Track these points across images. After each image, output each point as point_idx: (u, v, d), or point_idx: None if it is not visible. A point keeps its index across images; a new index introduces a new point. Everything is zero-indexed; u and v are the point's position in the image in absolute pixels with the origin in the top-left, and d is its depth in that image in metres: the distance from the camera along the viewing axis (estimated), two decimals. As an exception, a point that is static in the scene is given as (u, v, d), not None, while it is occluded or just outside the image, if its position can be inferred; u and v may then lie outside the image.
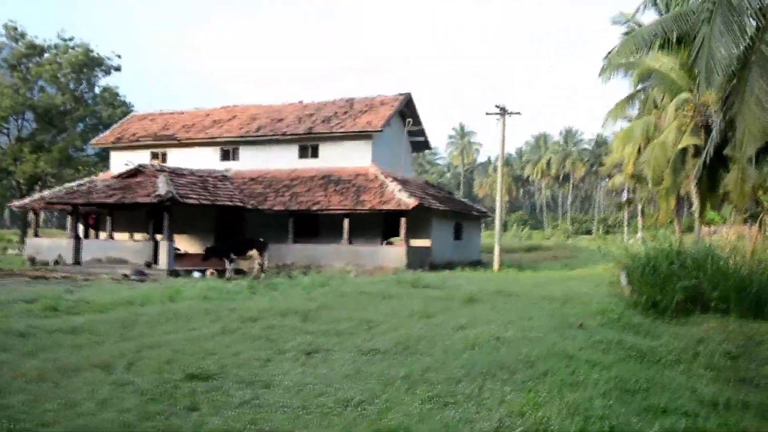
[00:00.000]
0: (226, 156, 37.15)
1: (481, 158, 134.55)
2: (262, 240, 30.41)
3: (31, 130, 53.11)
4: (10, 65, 52.40)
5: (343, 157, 34.06)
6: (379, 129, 33.06)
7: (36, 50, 51.79)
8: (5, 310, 13.35)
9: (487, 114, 32.17)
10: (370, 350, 9.49)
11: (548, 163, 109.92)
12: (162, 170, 31.03)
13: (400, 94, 35.89)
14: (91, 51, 53.67)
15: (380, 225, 32.81)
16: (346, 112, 35.47)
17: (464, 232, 36.81)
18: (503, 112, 32.04)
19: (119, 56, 55.34)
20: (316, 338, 10.36)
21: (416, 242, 32.62)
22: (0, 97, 47.83)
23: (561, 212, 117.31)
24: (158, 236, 35.05)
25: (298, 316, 12.65)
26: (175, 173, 31.58)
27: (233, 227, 34.44)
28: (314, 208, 31.16)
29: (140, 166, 31.98)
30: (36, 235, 38.00)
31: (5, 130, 51.88)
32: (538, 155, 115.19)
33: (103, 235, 37.04)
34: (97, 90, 55.89)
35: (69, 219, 40.39)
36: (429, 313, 13.68)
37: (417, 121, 36.20)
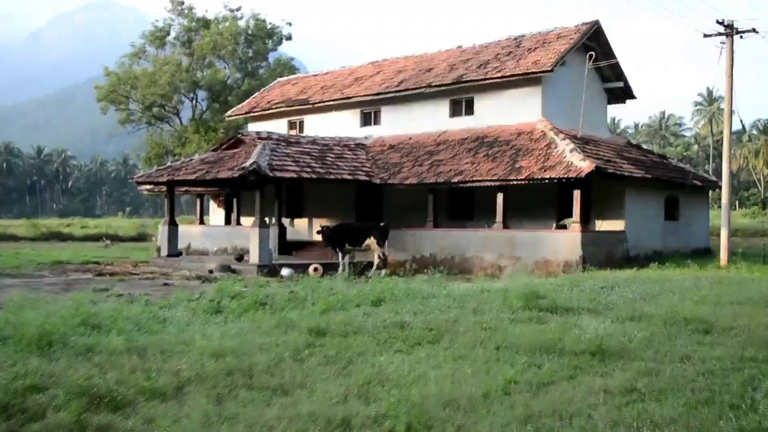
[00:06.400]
0: (367, 120, 29.90)
1: (735, 126, 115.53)
2: (382, 224, 22.94)
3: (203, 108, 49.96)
4: (182, 42, 49.53)
5: (504, 112, 25.30)
6: (548, 69, 23.82)
7: (201, 23, 48.27)
8: None
9: (705, 36, 21.56)
10: None
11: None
12: (269, 138, 24.52)
13: (584, 24, 26.22)
14: (261, 20, 49.27)
15: (554, 201, 23.81)
16: (510, 53, 26.58)
17: (682, 209, 26.39)
18: (730, 31, 21.41)
19: (290, 24, 50.36)
20: None
21: (606, 224, 23.25)
22: (159, 73, 44.68)
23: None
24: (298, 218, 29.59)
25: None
26: (286, 141, 25.01)
27: (373, 208, 27.28)
28: (455, 179, 22.92)
29: (240, 133, 25.90)
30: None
31: (173, 110, 49.03)
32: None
33: (247, 219, 31.74)
34: (271, 61, 51.51)
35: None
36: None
37: (609, 58, 26.31)
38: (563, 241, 21.12)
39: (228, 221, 33.49)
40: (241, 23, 48.96)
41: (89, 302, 12.29)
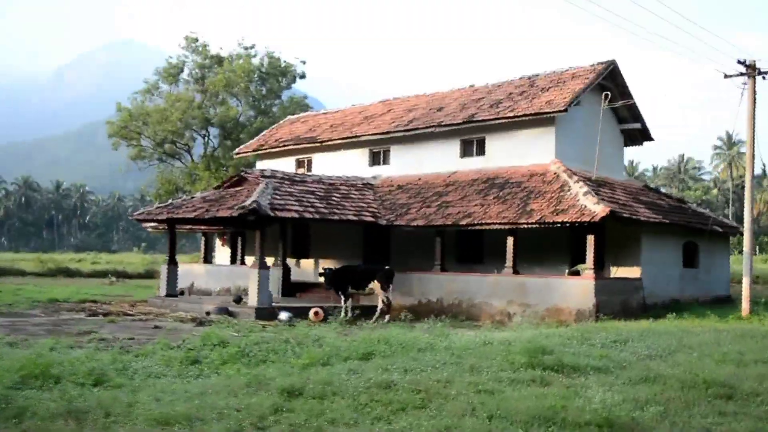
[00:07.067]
0: (376, 159, 29.21)
1: (756, 169, 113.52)
2: (387, 267, 22.03)
3: (215, 146, 49.56)
4: (195, 79, 49.39)
5: (516, 153, 24.51)
6: (563, 109, 23.04)
7: (215, 60, 48.13)
8: None
9: (726, 77, 20.70)
10: None
11: None
12: (272, 176, 23.85)
13: (600, 63, 25.48)
14: (275, 58, 49.08)
15: (567, 246, 22.81)
16: (523, 92, 25.86)
17: (701, 255, 25.30)
18: (752, 71, 20.58)
19: (304, 62, 50.06)
20: None
21: (621, 271, 22.23)
22: (170, 110, 44.40)
23: None
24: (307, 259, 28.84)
25: None
26: (290, 180, 24.31)
27: (380, 249, 26.43)
28: (463, 222, 22.04)
29: (243, 171, 25.22)
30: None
31: (185, 147, 48.68)
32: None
33: (251, 259, 31.05)
34: (284, 99, 51.17)
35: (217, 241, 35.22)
36: None
37: (626, 98, 25.50)
38: (576, 289, 20.10)
39: (233, 260, 32.78)
40: (255, 61, 48.78)
41: (65, 348, 11.53)
